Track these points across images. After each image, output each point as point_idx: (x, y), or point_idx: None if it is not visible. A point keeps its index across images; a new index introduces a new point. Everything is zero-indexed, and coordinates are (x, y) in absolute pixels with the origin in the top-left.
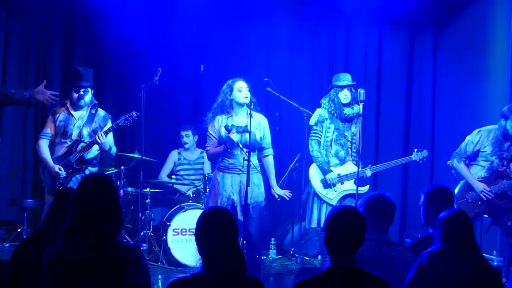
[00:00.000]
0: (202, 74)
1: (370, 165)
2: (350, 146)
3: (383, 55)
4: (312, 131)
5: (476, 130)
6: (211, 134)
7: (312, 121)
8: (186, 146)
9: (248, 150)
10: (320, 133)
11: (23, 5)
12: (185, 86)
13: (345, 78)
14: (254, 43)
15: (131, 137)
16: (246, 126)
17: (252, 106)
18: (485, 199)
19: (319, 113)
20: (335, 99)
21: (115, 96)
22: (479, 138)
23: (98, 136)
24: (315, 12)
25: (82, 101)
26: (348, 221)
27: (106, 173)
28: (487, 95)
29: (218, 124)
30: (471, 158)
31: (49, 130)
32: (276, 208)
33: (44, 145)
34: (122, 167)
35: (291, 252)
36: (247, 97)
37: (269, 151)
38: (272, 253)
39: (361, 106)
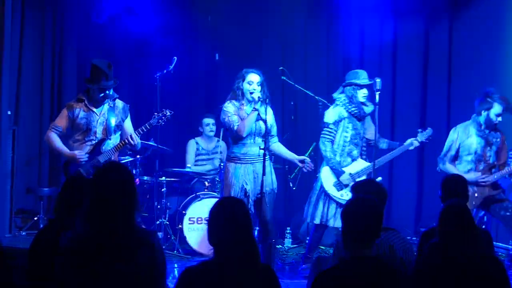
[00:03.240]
0: (217, 63)
1: (375, 161)
2: (362, 144)
3: (398, 43)
4: (326, 129)
5: (452, 129)
6: (230, 113)
7: (329, 119)
8: (210, 134)
9: (264, 139)
10: (335, 132)
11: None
12: (200, 74)
13: (364, 76)
14: (269, 31)
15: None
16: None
17: (266, 101)
18: (483, 184)
19: (338, 111)
20: (354, 97)
21: (130, 85)
22: (457, 135)
23: (131, 137)
24: (330, 0)
25: (107, 99)
26: (364, 211)
27: (122, 162)
28: (503, 83)
29: (234, 106)
30: (455, 158)
31: (61, 126)
32: (291, 197)
33: (54, 136)
34: (138, 156)
35: (307, 241)
36: (253, 93)
37: (276, 138)
38: (288, 242)
39: (377, 95)
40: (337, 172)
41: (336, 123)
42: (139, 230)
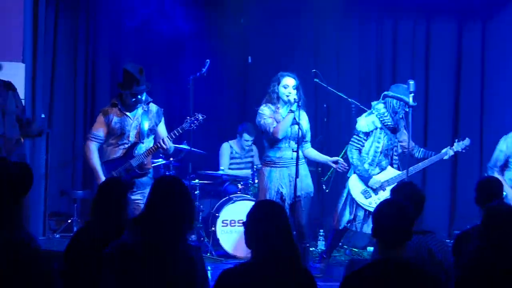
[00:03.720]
0: (249, 66)
1: (410, 168)
2: (394, 154)
3: (431, 44)
4: (355, 137)
5: (502, 138)
6: (266, 115)
7: (362, 127)
8: (246, 148)
9: (297, 143)
10: (364, 141)
11: (71, 3)
12: (233, 77)
13: (408, 93)
14: (301, 33)
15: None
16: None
17: (300, 103)
18: None
19: (372, 120)
20: (396, 112)
21: (163, 88)
22: (506, 145)
23: (163, 141)
24: (363, 2)
25: (139, 104)
26: (396, 213)
27: (155, 164)
28: None
29: (270, 109)
30: (505, 166)
31: (101, 133)
32: (324, 199)
33: (94, 149)
34: (171, 159)
35: (340, 244)
36: (289, 96)
37: (309, 144)
38: (321, 244)
39: (410, 98)
40: (365, 179)
41: (367, 133)
42: (186, 245)
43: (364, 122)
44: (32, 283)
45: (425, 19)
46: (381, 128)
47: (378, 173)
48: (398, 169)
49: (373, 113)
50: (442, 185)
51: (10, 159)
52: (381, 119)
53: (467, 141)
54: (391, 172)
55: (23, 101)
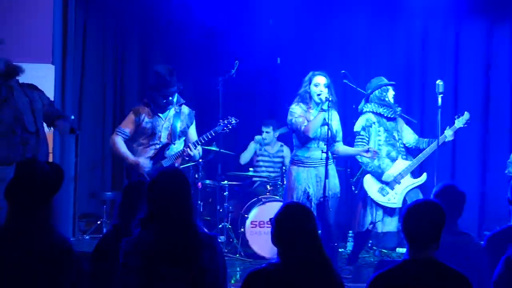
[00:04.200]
0: (279, 67)
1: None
2: (399, 145)
3: (460, 45)
4: (358, 138)
5: None
6: (297, 114)
7: (358, 127)
8: (265, 141)
9: (326, 144)
10: (367, 139)
11: (100, 5)
12: (262, 78)
13: (385, 80)
14: (331, 34)
15: (209, 130)
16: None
17: (330, 105)
18: None
19: (366, 118)
20: (385, 99)
21: (192, 90)
22: None
23: (189, 148)
24: (392, 2)
25: (170, 106)
26: (425, 213)
27: (184, 166)
28: None
29: (301, 108)
30: None
31: (128, 130)
32: (353, 200)
33: (120, 140)
34: (200, 160)
35: (369, 245)
36: (320, 95)
37: (341, 143)
38: (350, 245)
39: (439, 98)
40: (378, 175)
41: (366, 129)
42: (200, 234)
43: (359, 122)
44: (64, 283)
45: (454, 19)
46: (377, 122)
47: (390, 165)
48: (406, 159)
49: (366, 112)
50: (471, 185)
51: (38, 158)
52: (376, 110)
53: (466, 115)
54: (402, 164)
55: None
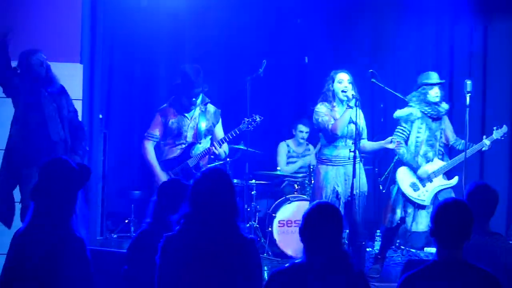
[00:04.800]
0: (306, 66)
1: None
2: (438, 145)
3: (488, 45)
4: (399, 128)
5: None
6: (323, 113)
7: (398, 114)
8: (301, 141)
9: (354, 142)
10: (408, 132)
11: (129, 4)
12: (290, 77)
13: (434, 76)
14: (358, 34)
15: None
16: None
17: (357, 103)
18: None
19: (411, 111)
20: (426, 98)
21: (220, 89)
22: None
23: (214, 147)
24: (420, 2)
25: (193, 106)
26: (455, 214)
27: (211, 165)
28: None
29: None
30: None
31: (157, 132)
32: (381, 199)
33: (150, 148)
34: (228, 159)
35: (397, 244)
36: (346, 91)
37: (366, 140)
38: (377, 245)
39: (467, 97)
40: (413, 168)
41: (408, 122)
42: (240, 236)
43: (401, 112)
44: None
45: (482, 19)
46: (421, 118)
47: (424, 165)
48: (443, 160)
49: (411, 106)
50: (499, 184)
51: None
52: (420, 108)
53: (504, 128)
54: (438, 164)
55: (80, 102)
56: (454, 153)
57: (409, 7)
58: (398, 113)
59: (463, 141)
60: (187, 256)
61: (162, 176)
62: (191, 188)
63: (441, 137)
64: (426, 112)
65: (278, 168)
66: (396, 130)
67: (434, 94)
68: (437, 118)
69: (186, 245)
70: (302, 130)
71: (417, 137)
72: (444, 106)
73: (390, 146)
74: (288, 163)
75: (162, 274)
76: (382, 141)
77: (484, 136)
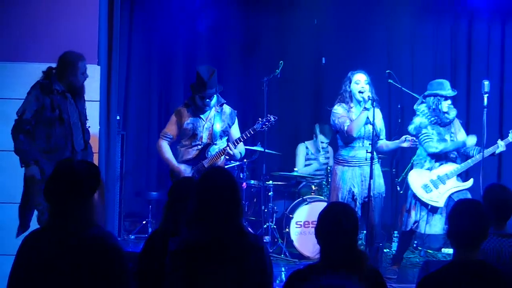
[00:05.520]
0: (323, 67)
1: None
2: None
3: (506, 45)
4: (422, 136)
5: None
6: (340, 114)
7: (412, 129)
8: (320, 149)
9: (371, 143)
10: (431, 134)
11: (145, 5)
12: (307, 78)
13: (448, 87)
14: (375, 35)
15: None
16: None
17: (374, 104)
18: None
19: (420, 121)
20: (437, 108)
21: (237, 90)
22: None
23: (228, 147)
24: (437, 2)
25: (207, 108)
26: (471, 214)
27: (229, 166)
28: None
29: (343, 108)
30: None
31: (171, 133)
32: (398, 200)
33: (165, 145)
34: (245, 160)
35: (414, 245)
36: (363, 92)
37: (384, 140)
38: (395, 246)
39: (485, 98)
40: (423, 172)
41: (421, 129)
42: (247, 235)
43: (413, 124)
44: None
45: (500, 18)
46: (429, 125)
47: (437, 168)
48: (455, 162)
49: (418, 115)
50: None
51: None
52: (426, 118)
53: None
54: (450, 166)
55: (97, 103)
56: (467, 157)
57: (425, 6)
58: (412, 127)
59: (477, 147)
60: (193, 258)
61: (181, 169)
62: (195, 187)
63: (452, 140)
64: (433, 122)
65: (296, 169)
66: (422, 140)
67: (447, 104)
68: (446, 124)
69: (192, 247)
70: (323, 141)
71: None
72: (452, 113)
73: (405, 144)
74: (306, 165)
75: (170, 279)
76: (397, 141)
77: (499, 140)
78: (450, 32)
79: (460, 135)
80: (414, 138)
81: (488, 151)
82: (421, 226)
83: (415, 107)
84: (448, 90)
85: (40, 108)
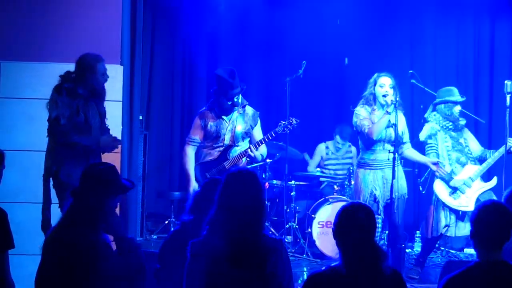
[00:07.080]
0: (346, 67)
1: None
2: (467, 150)
3: None
4: (427, 147)
5: None
6: (362, 116)
7: (423, 137)
8: (337, 150)
9: (394, 145)
10: (436, 146)
11: (168, 6)
12: (329, 79)
13: (457, 93)
14: (398, 35)
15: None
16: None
17: (398, 107)
18: None
19: (431, 126)
20: (450, 114)
21: (260, 90)
22: None
23: (250, 149)
24: (459, 2)
25: (235, 107)
26: (495, 216)
27: (251, 166)
28: None
29: (366, 110)
30: None
31: (197, 137)
32: (421, 201)
33: (190, 154)
34: (268, 160)
35: (436, 245)
36: (386, 96)
37: (409, 144)
38: (417, 246)
39: (508, 98)
40: (446, 181)
41: (432, 137)
42: (266, 238)
43: (423, 132)
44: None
45: None
46: (442, 130)
47: (461, 170)
48: (475, 164)
49: (430, 121)
50: None
51: None
52: (438, 124)
53: None
54: (472, 169)
55: (120, 103)
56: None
57: (448, 7)
58: (422, 135)
59: (491, 150)
60: (213, 261)
61: (195, 186)
62: (219, 190)
63: (466, 145)
64: (446, 127)
65: (308, 168)
66: (426, 149)
67: (457, 110)
68: (456, 129)
69: (212, 250)
70: (339, 142)
71: (446, 145)
72: (462, 121)
73: (433, 167)
74: (325, 164)
75: (190, 281)
76: (428, 159)
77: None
78: (472, 32)
79: (472, 144)
80: (444, 170)
81: (500, 152)
82: (450, 230)
83: (425, 115)
84: (457, 96)
85: (70, 114)
